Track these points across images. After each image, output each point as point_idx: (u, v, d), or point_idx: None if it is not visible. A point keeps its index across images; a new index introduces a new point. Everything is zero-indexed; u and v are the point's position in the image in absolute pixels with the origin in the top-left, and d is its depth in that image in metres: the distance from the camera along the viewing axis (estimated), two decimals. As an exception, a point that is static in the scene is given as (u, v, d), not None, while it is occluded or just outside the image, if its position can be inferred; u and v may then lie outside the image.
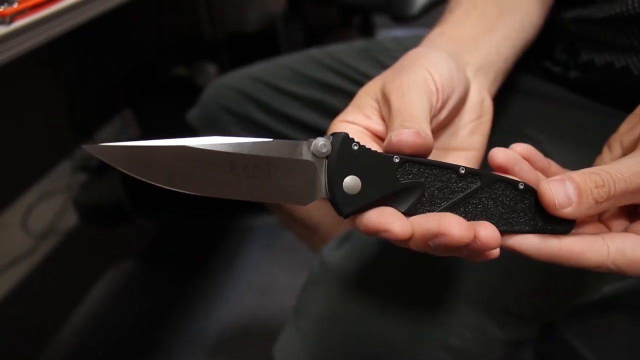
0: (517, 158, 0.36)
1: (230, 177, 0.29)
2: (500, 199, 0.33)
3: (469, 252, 0.31)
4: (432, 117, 0.36)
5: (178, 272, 1.48)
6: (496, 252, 0.32)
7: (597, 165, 0.43)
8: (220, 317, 1.33)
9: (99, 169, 1.56)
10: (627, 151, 0.40)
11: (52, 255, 1.43)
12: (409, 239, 0.31)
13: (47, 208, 1.45)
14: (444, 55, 0.40)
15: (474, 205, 0.32)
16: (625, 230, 0.36)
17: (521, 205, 0.33)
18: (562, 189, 0.31)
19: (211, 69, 1.54)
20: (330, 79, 0.74)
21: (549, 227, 0.33)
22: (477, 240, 0.30)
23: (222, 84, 0.81)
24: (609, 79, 0.55)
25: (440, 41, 0.46)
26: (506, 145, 0.58)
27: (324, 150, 0.30)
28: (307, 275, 0.55)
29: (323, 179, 0.31)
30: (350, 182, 0.30)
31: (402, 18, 1.11)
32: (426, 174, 0.32)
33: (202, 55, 1.57)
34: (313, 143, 0.30)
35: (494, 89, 0.47)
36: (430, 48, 0.43)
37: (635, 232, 0.34)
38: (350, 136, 0.31)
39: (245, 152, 0.29)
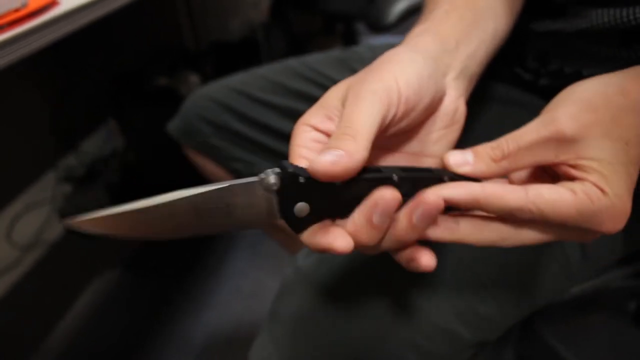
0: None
1: (198, 220, 0.32)
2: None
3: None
4: (389, 127, 0.36)
5: (164, 280, 1.48)
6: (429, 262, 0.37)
7: None
8: (207, 323, 1.34)
9: (84, 180, 1.56)
10: None
11: (37, 266, 1.43)
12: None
13: (32, 219, 1.45)
14: (419, 61, 0.39)
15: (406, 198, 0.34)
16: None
17: None
18: (460, 154, 0.37)
19: (194, 78, 1.55)
20: (307, 89, 0.75)
21: None
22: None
23: (201, 95, 0.82)
24: None
25: (423, 40, 0.44)
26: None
27: (274, 187, 0.32)
28: (281, 281, 0.56)
29: (276, 207, 0.33)
30: (300, 207, 0.33)
31: (379, 26, 1.13)
32: (367, 187, 0.34)
33: (185, 65, 1.58)
34: (264, 181, 0.32)
35: (467, 94, 0.46)
36: (408, 49, 0.42)
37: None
38: (299, 167, 0.33)
39: (207, 200, 0.32)
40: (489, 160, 0.36)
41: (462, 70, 0.44)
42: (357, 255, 0.52)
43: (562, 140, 0.35)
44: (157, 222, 0.32)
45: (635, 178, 0.36)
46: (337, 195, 0.33)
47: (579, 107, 0.35)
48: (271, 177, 0.32)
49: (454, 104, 0.42)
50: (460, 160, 0.37)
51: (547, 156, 0.36)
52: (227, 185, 0.32)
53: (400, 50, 0.41)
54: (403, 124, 0.38)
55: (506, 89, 0.67)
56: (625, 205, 0.35)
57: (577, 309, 1.03)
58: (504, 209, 0.34)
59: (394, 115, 0.36)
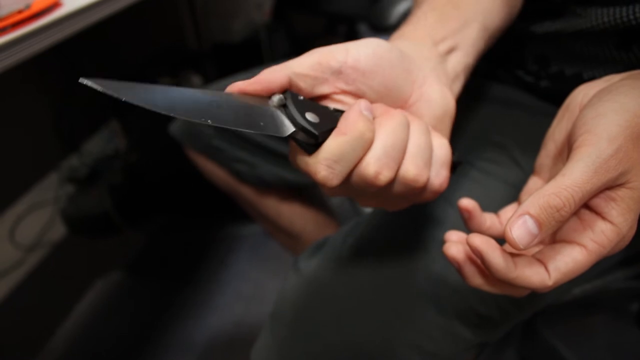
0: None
1: (220, 110, 0.34)
2: None
3: None
4: (339, 73, 0.39)
5: (166, 282, 1.49)
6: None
7: (540, 164, 0.45)
8: (208, 325, 1.34)
9: (87, 181, 1.56)
10: (559, 145, 0.42)
11: (40, 267, 1.43)
12: None
13: (35, 220, 1.45)
14: (381, 42, 0.41)
15: None
16: (554, 237, 0.38)
17: None
18: (523, 226, 0.33)
19: (196, 79, 1.55)
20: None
21: None
22: None
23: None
24: None
25: (398, 42, 0.46)
26: (474, 150, 0.60)
27: (282, 102, 0.37)
28: (283, 283, 0.56)
29: (287, 120, 0.36)
30: (310, 115, 0.36)
31: (381, 27, 1.14)
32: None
33: (187, 66, 1.58)
34: (271, 99, 0.37)
35: (457, 85, 0.46)
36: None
37: (564, 240, 0.36)
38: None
39: (224, 97, 0.35)
40: (554, 224, 0.33)
41: (441, 62, 0.45)
42: (358, 257, 0.52)
43: (612, 180, 0.34)
44: (182, 105, 0.33)
45: None
46: (334, 114, 0.37)
47: (626, 137, 0.34)
48: (276, 96, 0.37)
49: (439, 94, 0.42)
50: (527, 235, 0.33)
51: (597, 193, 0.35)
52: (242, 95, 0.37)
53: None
54: (365, 82, 0.40)
55: (507, 91, 0.67)
56: (632, 232, 0.35)
57: (579, 309, 1.03)
58: (527, 287, 0.35)
59: (341, 66, 0.39)
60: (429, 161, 0.37)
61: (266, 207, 0.89)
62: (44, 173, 1.51)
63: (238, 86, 0.36)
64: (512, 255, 0.35)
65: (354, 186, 0.36)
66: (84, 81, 0.30)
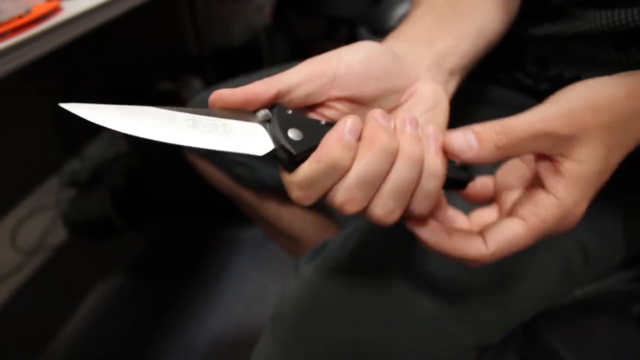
0: None
1: (193, 131, 0.34)
2: None
3: None
4: (334, 82, 0.38)
5: (167, 285, 1.49)
6: None
7: None
8: (209, 327, 1.34)
9: (88, 184, 1.56)
10: None
11: (41, 270, 1.43)
12: None
13: (36, 224, 1.45)
14: (375, 44, 0.41)
15: None
16: (510, 209, 0.38)
17: None
18: (463, 138, 0.35)
19: (197, 83, 1.55)
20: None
21: (453, 176, 0.38)
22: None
23: (202, 99, 0.83)
24: None
25: (393, 42, 0.46)
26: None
27: (267, 118, 0.36)
28: (283, 286, 0.56)
29: (270, 136, 0.36)
30: (294, 132, 0.35)
31: (380, 30, 1.14)
32: None
33: (188, 69, 1.58)
34: (258, 114, 0.36)
35: (451, 85, 0.47)
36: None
37: (514, 214, 0.37)
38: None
39: (204, 114, 0.35)
40: (492, 147, 0.34)
41: (437, 61, 0.45)
42: (358, 260, 0.52)
43: (557, 137, 0.35)
44: (155, 124, 0.33)
45: (602, 184, 0.37)
46: (322, 128, 0.36)
47: (583, 105, 0.35)
48: (262, 110, 0.37)
49: (431, 89, 0.43)
50: (465, 145, 0.34)
51: (542, 148, 0.36)
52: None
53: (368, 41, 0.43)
54: (359, 88, 0.39)
55: (507, 94, 0.67)
56: (580, 211, 0.36)
57: (580, 311, 1.03)
58: (464, 260, 0.36)
59: (335, 73, 0.38)
60: (406, 197, 0.35)
61: (266, 211, 0.89)
62: (45, 177, 1.51)
63: (221, 95, 0.36)
64: (451, 229, 0.36)
65: None
66: (63, 105, 0.31)
